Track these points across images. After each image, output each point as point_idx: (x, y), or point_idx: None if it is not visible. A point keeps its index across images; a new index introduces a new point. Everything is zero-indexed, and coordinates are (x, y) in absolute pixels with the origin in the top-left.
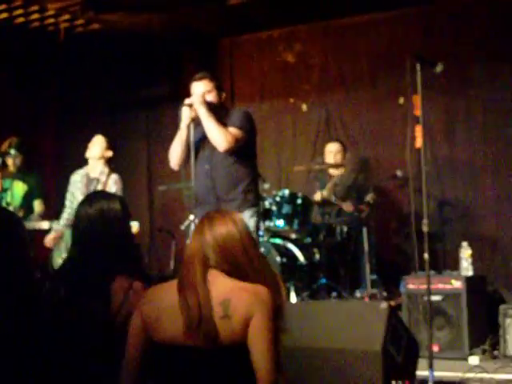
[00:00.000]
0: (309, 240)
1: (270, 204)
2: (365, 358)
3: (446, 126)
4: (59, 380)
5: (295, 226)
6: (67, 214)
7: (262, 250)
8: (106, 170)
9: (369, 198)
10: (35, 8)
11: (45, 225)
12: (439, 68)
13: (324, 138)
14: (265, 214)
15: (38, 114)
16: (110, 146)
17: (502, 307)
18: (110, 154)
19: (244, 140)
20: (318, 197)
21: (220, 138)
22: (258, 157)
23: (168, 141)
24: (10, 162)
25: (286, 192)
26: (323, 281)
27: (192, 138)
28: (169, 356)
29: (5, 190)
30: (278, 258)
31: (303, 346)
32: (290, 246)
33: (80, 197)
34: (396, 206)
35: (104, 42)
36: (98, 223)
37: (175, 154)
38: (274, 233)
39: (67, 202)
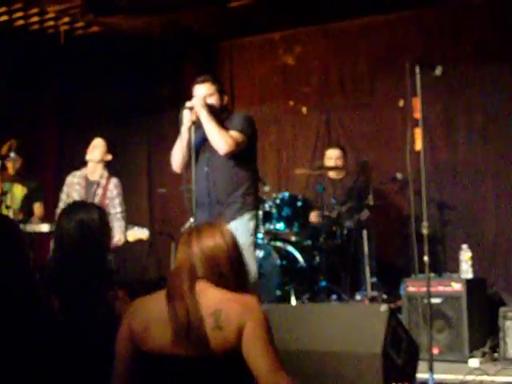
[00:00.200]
0: (309, 243)
1: (270, 207)
2: (365, 361)
3: (446, 128)
4: (59, 381)
5: (295, 229)
6: None
7: (262, 252)
8: (106, 173)
9: (369, 200)
10: (35, 11)
11: (44, 228)
12: (438, 71)
13: (324, 141)
14: (265, 217)
15: (38, 116)
16: (110, 149)
17: (501, 310)
18: (109, 157)
19: (245, 144)
20: (313, 218)
21: (221, 141)
22: (257, 159)
23: (168, 143)
24: (9, 165)
25: (286, 195)
26: (323, 283)
27: (193, 141)
28: (158, 366)
29: (4, 193)
30: (278, 261)
31: (303, 348)
32: (290, 248)
33: (77, 199)
34: (396, 209)
35: (104, 45)
36: (77, 234)
37: (177, 156)
38: (274, 235)
39: (61, 204)
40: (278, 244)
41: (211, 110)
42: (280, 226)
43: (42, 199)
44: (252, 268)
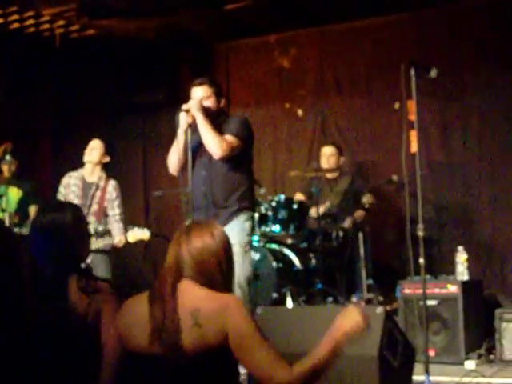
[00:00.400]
0: (305, 245)
1: (266, 209)
2: (361, 363)
3: (442, 130)
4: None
5: (291, 231)
6: None
7: (258, 255)
8: (104, 175)
9: (365, 202)
10: (31, 14)
11: None
12: (433, 73)
13: (320, 143)
14: (261, 219)
15: (33, 119)
16: (107, 151)
17: (497, 311)
18: (107, 159)
19: (240, 148)
20: (313, 213)
21: (215, 145)
22: (254, 162)
23: (164, 146)
24: (4, 168)
25: (282, 197)
26: (319, 286)
27: (189, 144)
28: (137, 365)
29: (0, 196)
30: (274, 264)
31: (299, 351)
32: (286, 251)
33: (75, 200)
34: (392, 211)
35: (99, 48)
36: (50, 234)
37: (173, 159)
38: (270, 238)
39: None
40: (274, 246)
41: (207, 113)
42: (276, 228)
43: (37, 202)
44: (247, 269)
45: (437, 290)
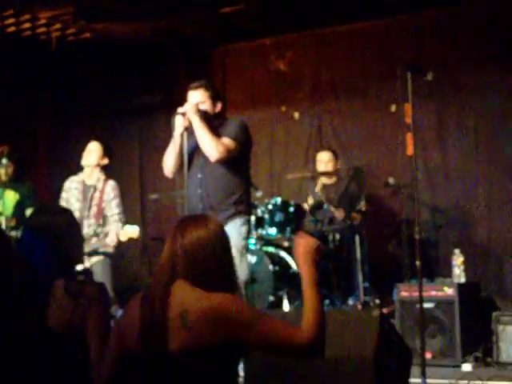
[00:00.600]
0: None
1: (263, 212)
2: (357, 366)
3: (438, 133)
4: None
5: (288, 234)
6: None
7: (254, 258)
8: (103, 176)
9: (361, 205)
10: (27, 17)
11: None
12: (430, 76)
13: (316, 146)
14: (257, 223)
15: (30, 122)
16: (106, 153)
17: (494, 314)
18: (106, 161)
19: (237, 151)
20: (310, 200)
21: (212, 148)
22: (251, 166)
23: (161, 149)
24: (1, 171)
25: (279, 200)
26: None
27: (185, 147)
28: (128, 364)
29: None
30: (271, 267)
31: None
32: (283, 254)
33: (76, 204)
34: (388, 214)
35: (96, 51)
36: (40, 237)
37: (169, 162)
38: (267, 241)
39: None
40: (271, 249)
41: (204, 116)
42: (272, 231)
43: (34, 205)
44: (244, 272)
45: (433, 293)
